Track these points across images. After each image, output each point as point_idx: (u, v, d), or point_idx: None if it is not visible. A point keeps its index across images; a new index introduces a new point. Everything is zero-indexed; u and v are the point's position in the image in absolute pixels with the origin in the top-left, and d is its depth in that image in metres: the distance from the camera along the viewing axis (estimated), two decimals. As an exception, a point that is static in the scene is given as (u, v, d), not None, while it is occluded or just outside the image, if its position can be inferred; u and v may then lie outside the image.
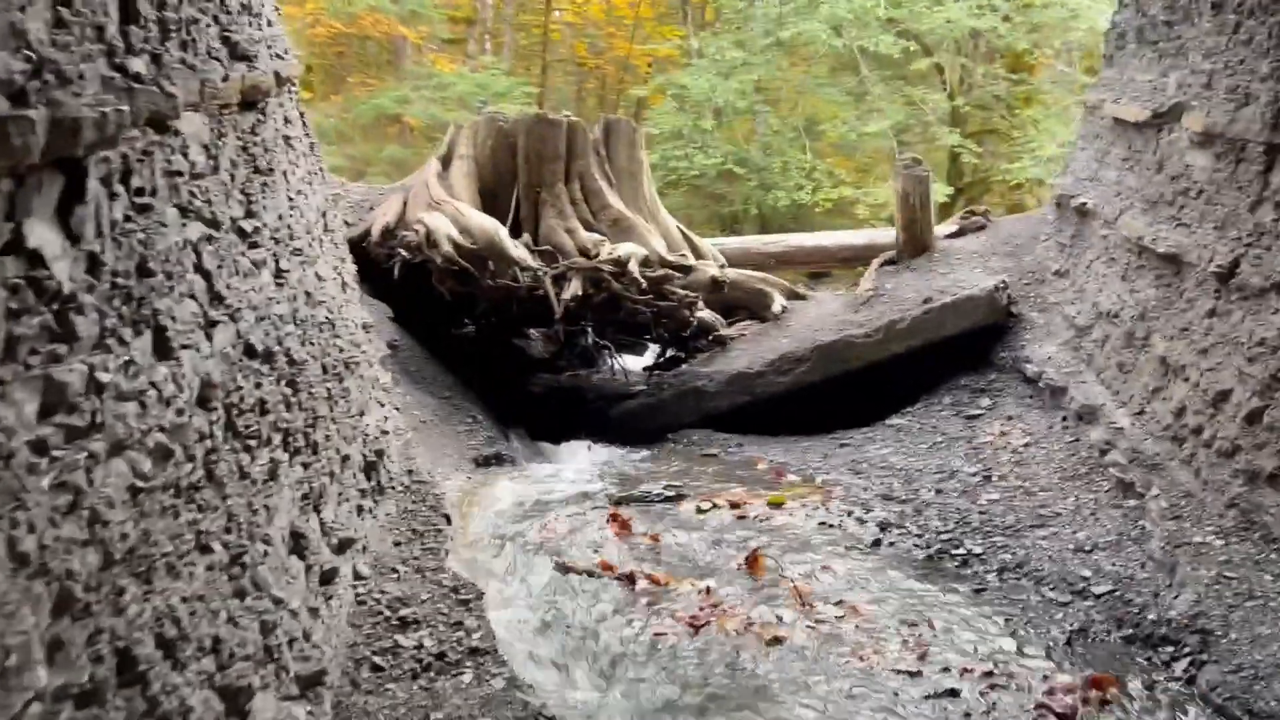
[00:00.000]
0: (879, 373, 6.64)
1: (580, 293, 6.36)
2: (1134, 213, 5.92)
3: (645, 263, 6.47)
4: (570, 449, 6.42)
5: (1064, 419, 5.80)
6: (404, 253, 6.44)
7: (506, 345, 8.18)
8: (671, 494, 5.22)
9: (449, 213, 6.51)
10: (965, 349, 6.63)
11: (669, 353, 7.79)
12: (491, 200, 7.01)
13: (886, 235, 7.97)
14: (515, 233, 6.74)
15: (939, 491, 5.28)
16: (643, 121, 18.24)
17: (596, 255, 6.37)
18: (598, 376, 8.33)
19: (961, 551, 4.53)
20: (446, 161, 7.21)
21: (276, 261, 3.32)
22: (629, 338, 8.00)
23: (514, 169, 7.00)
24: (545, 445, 6.55)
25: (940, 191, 15.90)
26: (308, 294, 3.61)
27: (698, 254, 7.37)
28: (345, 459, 3.48)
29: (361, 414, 3.85)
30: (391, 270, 6.57)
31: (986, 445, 5.76)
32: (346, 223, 7.04)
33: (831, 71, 17.61)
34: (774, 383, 6.57)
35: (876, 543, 4.65)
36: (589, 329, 7.15)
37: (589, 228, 6.76)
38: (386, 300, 6.71)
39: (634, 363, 8.19)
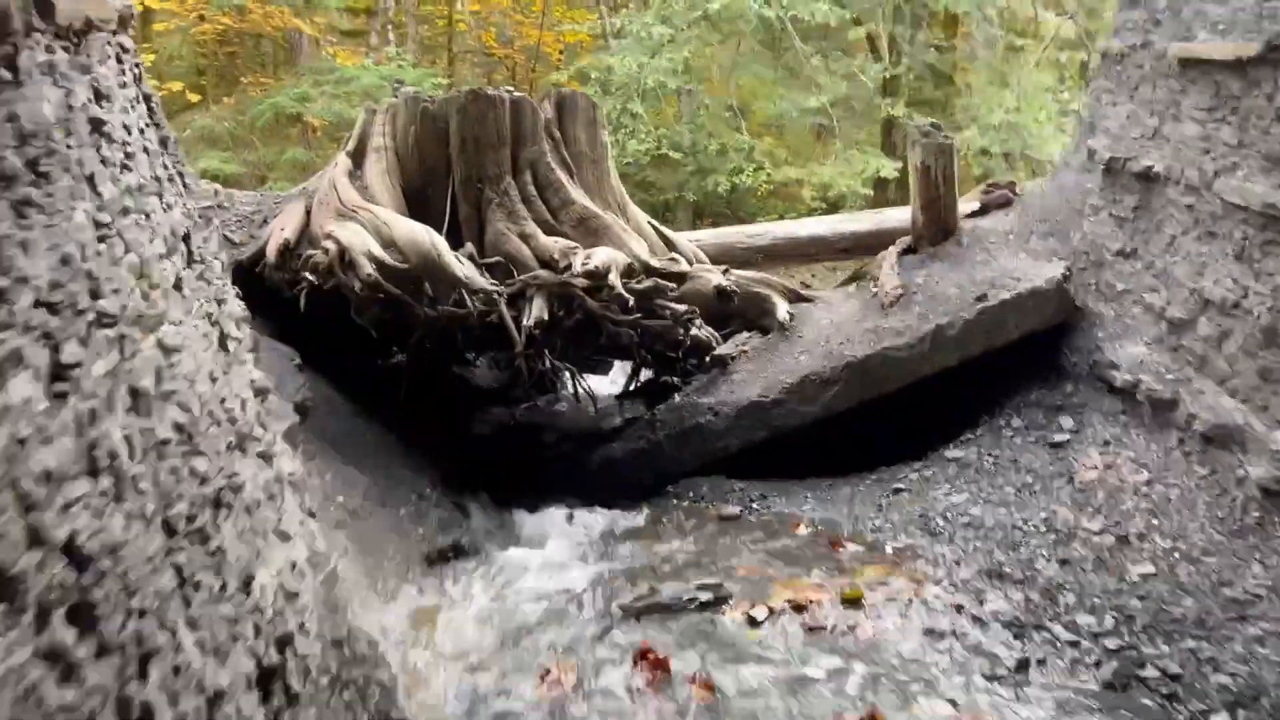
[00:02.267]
0: (923, 390, 5.17)
1: (546, 316, 4.74)
2: (1244, 175, 4.53)
3: (628, 272, 4.88)
4: (547, 519, 4.82)
5: (1182, 442, 4.40)
6: (310, 277, 4.74)
7: (445, 376, 6.54)
8: (707, 596, 3.66)
9: (367, 221, 4.83)
10: (1026, 354, 5.19)
11: (643, 374, 6.23)
12: (420, 202, 5.34)
13: (894, 217, 6.51)
14: (454, 241, 5.10)
15: (1064, 563, 3.80)
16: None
17: (567, 267, 4.76)
18: (560, 407, 6.75)
19: (1152, 672, 3.05)
20: (358, 156, 5.50)
21: (53, 352, 1.67)
22: (596, 357, 6.43)
23: (447, 160, 5.31)
24: (514, 515, 4.92)
25: (887, 167, 14.61)
26: (134, 393, 1.96)
27: (677, 252, 5.80)
28: (215, 700, 1.84)
29: (249, 580, 2.21)
30: (296, 301, 4.87)
31: (1093, 484, 4.31)
32: (231, 242, 5.31)
33: (762, 46, 16.17)
34: (797, 413, 5.05)
35: (1022, 665, 3.15)
36: (547, 351, 5.55)
37: (550, 231, 5.13)
38: (292, 340, 5.02)
39: (599, 384, 6.63)
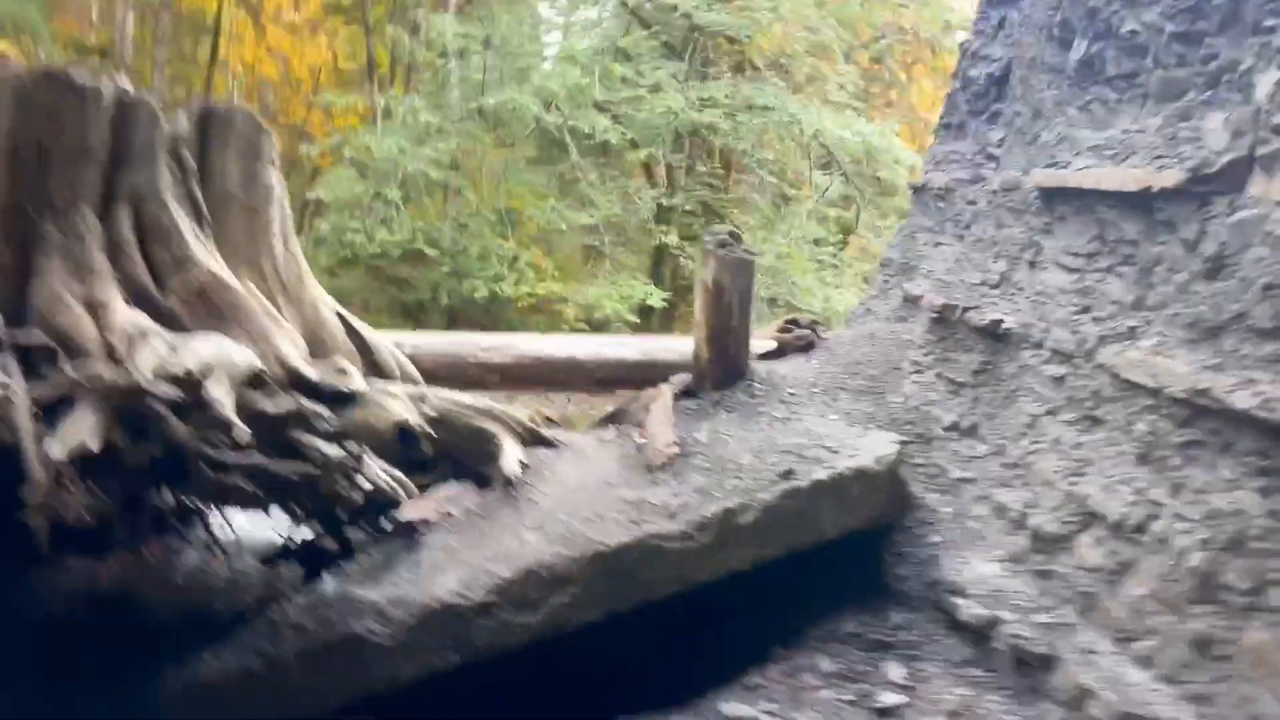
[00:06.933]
0: (689, 597, 3.41)
1: (96, 444, 2.66)
2: (1153, 343, 3.16)
3: (256, 381, 2.90)
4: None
5: (1069, 727, 2.83)
6: None
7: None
8: None
9: None
10: (834, 556, 3.56)
11: (303, 529, 4.15)
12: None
13: (669, 347, 4.87)
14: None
15: None
16: (312, 187, 14.41)
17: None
18: (187, 559, 4.55)
19: None
20: None
21: None
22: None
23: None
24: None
25: (655, 295, 13.32)
26: None
27: (374, 362, 3.86)
28: None
29: None
30: None
31: (953, 800, 2.64)
32: None
33: (538, 154, 14.70)
34: (511, 627, 3.13)
35: None
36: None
37: (146, 304, 3.08)
38: None
39: (250, 524, 4.47)
